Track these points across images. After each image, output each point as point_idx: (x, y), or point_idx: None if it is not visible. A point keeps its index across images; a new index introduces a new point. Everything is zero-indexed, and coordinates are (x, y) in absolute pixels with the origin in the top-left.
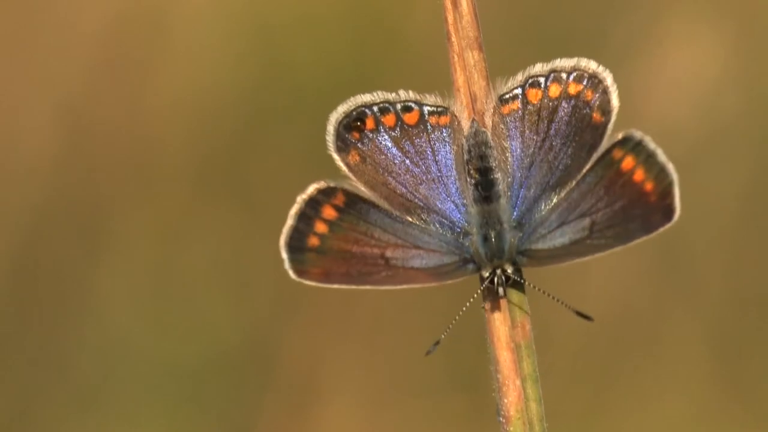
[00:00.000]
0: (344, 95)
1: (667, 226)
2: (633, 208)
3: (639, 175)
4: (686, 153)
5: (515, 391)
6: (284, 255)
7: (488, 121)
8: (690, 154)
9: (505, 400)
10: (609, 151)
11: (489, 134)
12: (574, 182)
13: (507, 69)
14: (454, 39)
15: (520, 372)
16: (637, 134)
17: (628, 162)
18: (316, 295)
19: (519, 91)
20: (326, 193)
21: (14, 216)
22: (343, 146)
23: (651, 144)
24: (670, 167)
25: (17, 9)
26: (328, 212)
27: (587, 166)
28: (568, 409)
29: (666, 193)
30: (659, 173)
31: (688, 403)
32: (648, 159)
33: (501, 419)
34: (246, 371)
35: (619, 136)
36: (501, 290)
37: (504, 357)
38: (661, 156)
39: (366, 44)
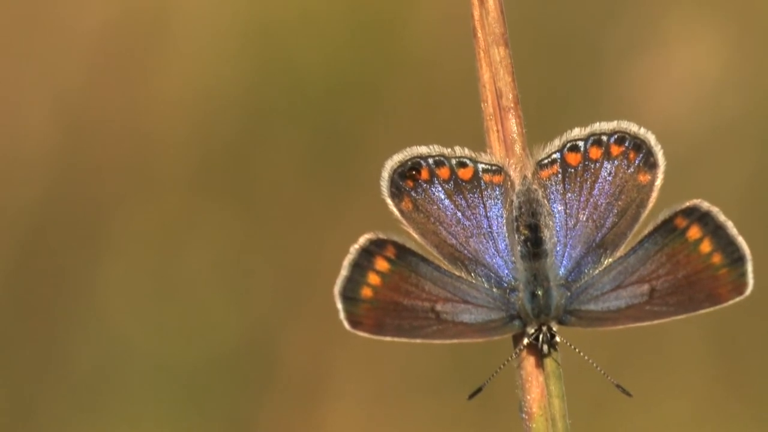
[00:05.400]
0: (345, 95)
1: (738, 299)
2: (699, 278)
3: (706, 246)
4: (688, 152)
5: (538, 387)
6: (339, 305)
7: (532, 180)
8: (691, 153)
9: (528, 397)
10: (671, 218)
11: (540, 192)
12: (628, 245)
13: (519, 70)
14: (480, 35)
15: (543, 368)
16: (705, 205)
17: (694, 232)
18: (318, 294)
19: (557, 155)
20: (377, 245)
21: (14, 216)
22: (397, 192)
23: (720, 216)
24: (741, 241)
25: (18, 7)
26: (381, 264)
27: (646, 231)
28: (577, 407)
29: (737, 267)
30: (728, 246)
31: (690, 403)
32: (717, 231)
33: (523, 416)
34: (248, 371)
35: (684, 205)
36: (546, 348)
37: (526, 352)
38: (732, 229)
39: (367, 44)
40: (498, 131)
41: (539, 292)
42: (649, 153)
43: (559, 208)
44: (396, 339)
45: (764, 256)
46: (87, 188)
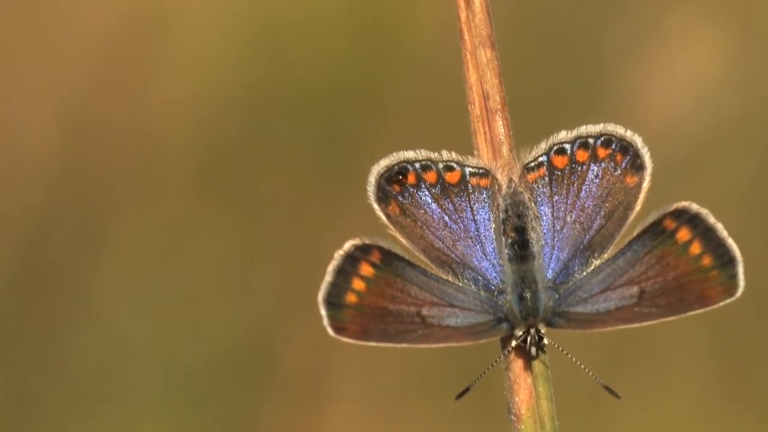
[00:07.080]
0: (345, 95)
1: (729, 301)
2: (689, 280)
3: (696, 248)
4: (688, 153)
5: (526, 389)
6: (323, 311)
7: (519, 183)
8: (692, 153)
9: (516, 399)
10: (660, 220)
11: (526, 195)
12: (616, 247)
13: (519, 69)
14: (466, 37)
15: (531, 370)
16: (694, 207)
17: (683, 234)
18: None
19: (544, 158)
20: (363, 250)
21: (15, 216)
22: (383, 197)
23: (710, 218)
24: (732, 243)
25: (19, 7)
26: (366, 269)
27: (634, 233)
28: (568, 408)
29: (727, 269)
30: (719, 248)
31: (687, 403)
32: (707, 233)
33: (512, 417)
34: (248, 371)
35: (672, 207)
36: (534, 350)
37: (514, 355)
38: (722, 231)
39: (367, 44)
40: (485, 133)
41: (527, 295)
42: (636, 155)
43: (546, 211)
44: (381, 344)
45: (764, 256)
46: (88, 188)
